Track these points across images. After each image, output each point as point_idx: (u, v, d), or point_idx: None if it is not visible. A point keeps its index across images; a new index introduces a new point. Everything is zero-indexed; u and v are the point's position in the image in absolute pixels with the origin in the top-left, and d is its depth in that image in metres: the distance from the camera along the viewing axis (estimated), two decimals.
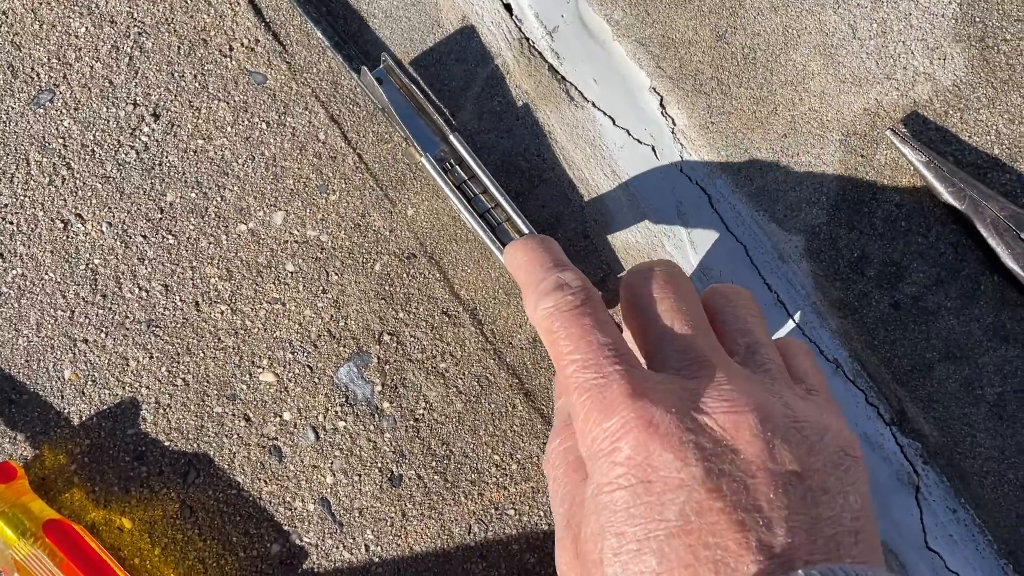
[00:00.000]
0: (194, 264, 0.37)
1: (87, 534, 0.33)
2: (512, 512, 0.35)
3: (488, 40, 0.40)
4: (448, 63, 0.39)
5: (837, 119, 0.38)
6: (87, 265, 0.37)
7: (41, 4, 0.39)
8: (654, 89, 0.39)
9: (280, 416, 0.36)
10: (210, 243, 0.37)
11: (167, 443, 0.35)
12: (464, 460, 0.35)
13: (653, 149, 0.39)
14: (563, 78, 0.39)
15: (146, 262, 0.37)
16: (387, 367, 0.36)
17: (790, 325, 0.37)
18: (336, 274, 0.37)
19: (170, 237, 0.37)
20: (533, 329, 0.37)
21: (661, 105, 0.39)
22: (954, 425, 0.36)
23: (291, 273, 0.37)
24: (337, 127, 0.38)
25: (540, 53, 0.40)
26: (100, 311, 0.36)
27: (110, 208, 0.37)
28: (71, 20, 0.39)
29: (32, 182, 0.37)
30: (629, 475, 0.25)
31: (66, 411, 0.35)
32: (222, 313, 0.37)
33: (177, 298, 0.37)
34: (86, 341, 0.36)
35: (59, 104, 0.38)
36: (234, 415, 0.36)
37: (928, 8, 0.39)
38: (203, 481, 0.35)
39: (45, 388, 0.36)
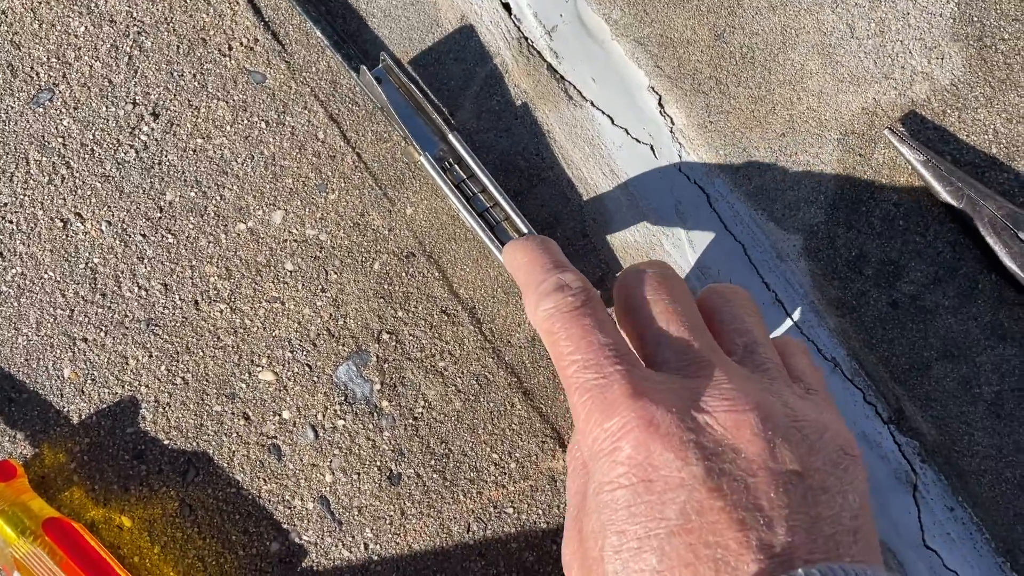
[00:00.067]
0: (193, 263, 0.37)
1: (87, 532, 0.33)
2: (511, 510, 0.35)
3: (487, 39, 0.40)
4: (447, 62, 0.39)
5: (835, 118, 0.38)
6: (86, 264, 0.37)
7: (40, 3, 0.39)
8: (652, 88, 0.39)
9: (279, 415, 0.36)
10: (209, 242, 0.37)
11: (166, 442, 0.35)
12: (463, 458, 0.36)
13: (652, 148, 0.39)
14: (562, 77, 0.39)
15: (145, 261, 0.37)
16: (386, 366, 0.36)
17: (788, 324, 0.37)
18: (335, 273, 0.37)
19: (169, 236, 0.37)
20: (531, 328, 0.37)
21: (660, 104, 0.39)
22: (952, 424, 0.36)
23: (290, 272, 0.37)
24: (336, 126, 0.38)
25: (539, 52, 0.40)
26: (99, 310, 0.37)
27: (109, 207, 0.37)
28: (70, 19, 0.39)
29: (32, 181, 0.38)
30: (630, 474, 0.25)
31: (66, 410, 0.36)
32: (221, 312, 0.37)
33: (176, 297, 0.37)
34: (85, 340, 0.36)
35: (58, 103, 0.38)
36: (233, 414, 0.36)
37: (926, 7, 0.39)
38: (202, 479, 0.35)
39: (45, 387, 0.36)
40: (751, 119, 0.39)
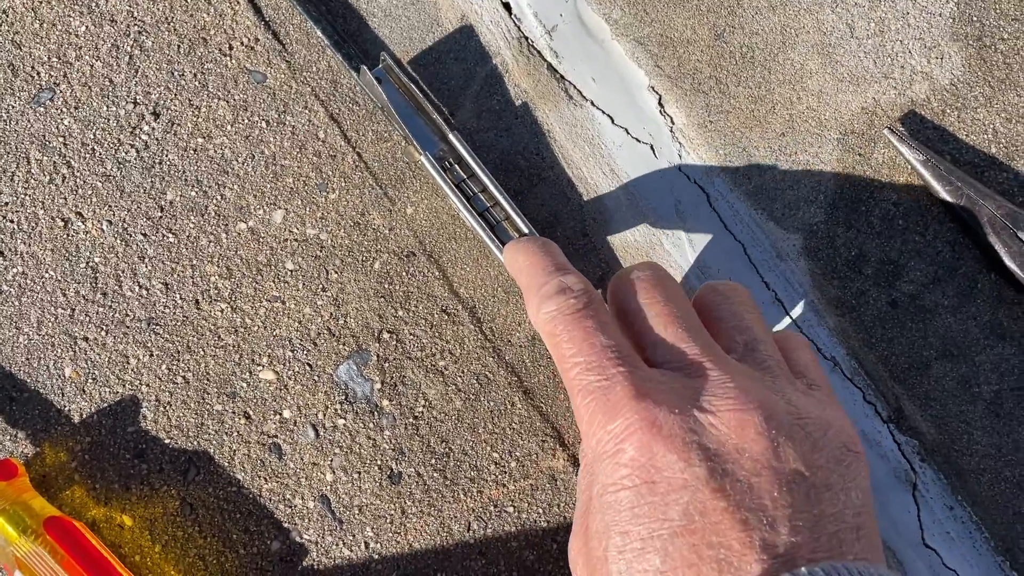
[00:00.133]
0: (194, 262, 0.37)
1: (88, 531, 0.33)
2: (511, 509, 0.35)
3: (487, 39, 0.40)
4: (447, 62, 0.40)
5: (835, 118, 0.38)
6: (87, 263, 0.37)
7: (41, 3, 0.39)
8: (652, 88, 0.39)
9: (280, 414, 0.36)
10: (210, 241, 0.37)
11: (167, 441, 0.35)
12: (463, 457, 0.36)
13: (652, 148, 0.39)
14: (562, 77, 0.39)
15: (146, 260, 0.37)
16: (386, 365, 0.36)
17: (788, 323, 0.37)
18: (336, 272, 0.37)
19: (170, 235, 0.37)
20: (532, 327, 0.37)
21: (660, 104, 0.39)
22: (951, 423, 0.36)
23: (291, 271, 0.37)
24: (336, 126, 0.38)
25: (539, 52, 0.40)
26: (100, 309, 0.37)
27: (110, 206, 0.37)
28: (71, 19, 0.39)
29: (32, 180, 0.38)
30: (633, 476, 0.25)
31: (67, 409, 0.36)
32: (222, 311, 0.37)
33: (177, 296, 0.37)
34: (86, 339, 0.36)
35: (59, 103, 0.38)
36: (234, 413, 0.36)
37: (925, 7, 0.39)
38: (203, 478, 0.35)
39: (46, 386, 0.36)
40: (751, 119, 0.39)
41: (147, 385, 0.36)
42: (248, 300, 0.37)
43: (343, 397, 0.36)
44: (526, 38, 0.40)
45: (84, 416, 0.36)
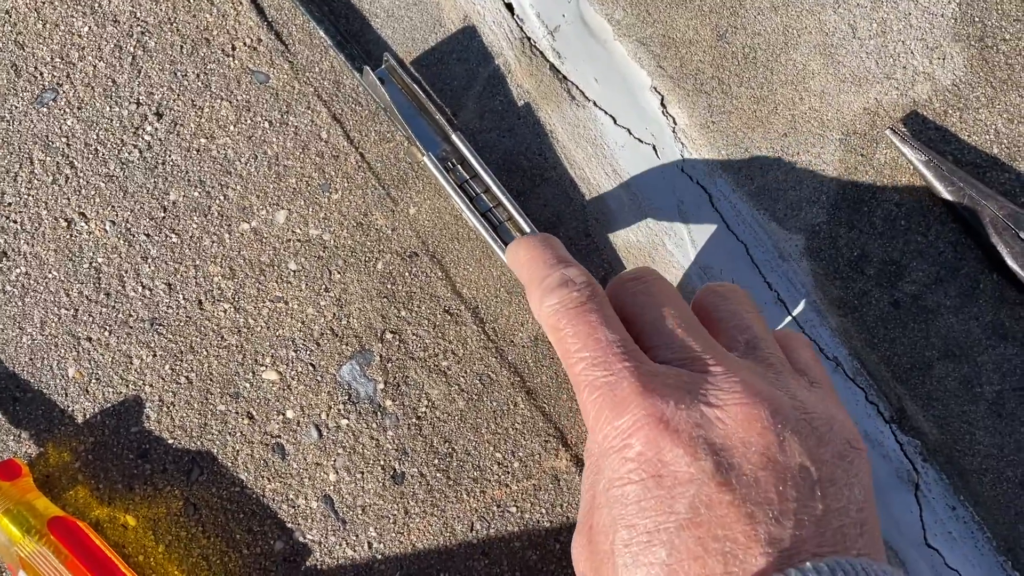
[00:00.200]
0: (197, 263, 0.37)
1: (92, 531, 0.33)
2: (514, 509, 0.35)
3: (490, 39, 0.40)
4: (450, 62, 0.40)
5: (837, 118, 0.38)
6: (91, 264, 0.37)
7: (44, 3, 0.39)
8: (655, 88, 0.39)
9: (283, 414, 0.36)
10: (213, 242, 0.37)
11: (171, 441, 0.35)
12: (466, 458, 0.36)
13: (654, 148, 0.39)
14: (564, 77, 0.39)
15: (149, 261, 0.37)
16: (389, 365, 0.36)
17: (791, 323, 0.37)
18: (338, 272, 0.37)
19: (173, 236, 0.37)
20: (535, 327, 0.37)
21: (662, 104, 0.39)
22: (953, 423, 0.36)
23: (294, 272, 0.37)
24: (339, 126, 0.39)
25: (541, 52, 0.40)
26: (104, 309, 0.37)
27: (113, 207, 0.37)
28: (74, 19, 0.39)
29: (36, 181, 0.38)
30: (640, 470, 0.25)
31: (70, 409, 0.36)
32: (225, 311, 0.37)
33: (180, 296, 0.37)
34: (90, 339, 0.36)
35: (62, 103, 0.38)
36: (237, 413, 0.36)
37: (928, 8, 0.39)
38: (207, 478, 0.35)
39: (49, 386, 0.36)
40: (753, 119, 0.39)
41: (150, 385, 0.36)
42: (251, 300, 0.37)
43: (346, 397, 0.36)
44: (528, 39, 0.40)
45: (88, 416, 0.36)
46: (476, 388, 0.36)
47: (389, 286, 0.37)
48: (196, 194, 0.38)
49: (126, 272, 0.37)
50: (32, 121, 0.38)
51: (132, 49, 0.39)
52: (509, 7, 0.40)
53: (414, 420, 0.36)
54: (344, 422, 0.36)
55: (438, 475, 0.35)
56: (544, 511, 0.35)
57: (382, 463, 0.36)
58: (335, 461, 0.36)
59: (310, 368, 0.36)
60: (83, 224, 0.37)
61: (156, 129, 0.38)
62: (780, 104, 0.39)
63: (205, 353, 0.36)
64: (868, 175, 0.38)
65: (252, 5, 0.39)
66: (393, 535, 0.35)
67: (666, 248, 0.38)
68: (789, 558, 0.23)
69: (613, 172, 0.39)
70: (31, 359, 0.36)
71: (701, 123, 0.39)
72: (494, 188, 0.36)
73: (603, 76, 0.39)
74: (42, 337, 0.36)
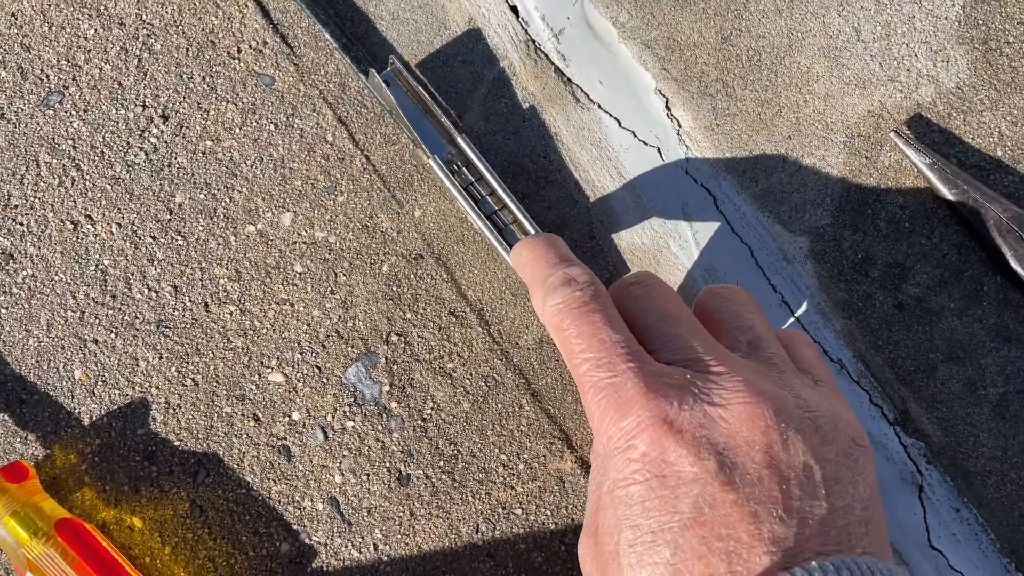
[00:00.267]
0: (203, 265, 0.37)
1: (98, 533, 0.33)
2: (519, 511, 0.35)
3: (495, 42, 0.40)
4: (455, 65, 0.40)
5: (841, 121, 0.39)
6: (97, 266, 0.37)
7: (50, 6, 0.39)
8: (660, 91, 0.39)
9: (289, 416, 0.36)
10: (219, 244, 0.37)
11: (177, 443, 0.36)
12: (471, 460, 0.36)
13: (659, 150, 0.39)
14: (569, 80, 0.40)
15: (155, 263, 0.37)
16: (395, 367, 0.36)
17: (795, 325, 0.37)
18: (344, 275, 0.37)
19: (179, 238, 0.37)
20: (540, 330, 0.37)
21: (667, 107, 0.39)
22: (957, 425, 0.36)
23: (299, 274, 0.37)
24: (345, 129, 0.39)
25: (546, 55, 0.40)
26: (110, 312, 0.37)
27: (120, 209, 0.38)
28: (80, 22, 0.39)
29: (42, 183, 0.38)
30: (644, 470, 0.25)
31: (77, 411, 0.36)
32: (231, 314, 0.37)
33: (186, 299, 0.37)
34: (96, 341, 0.36)
35: (68, 106, 0.38)
36: (243, 415, 0.36)
37: (932, 11, 0.39)
38: (213, 480, 0.35)
39: (56, 388, 0.36)
40: (758, 122, 0.39)
41: (157, 387, 0.36)
42: (257, 303, 0.37)
43: (352, 399, 0.36)
44: (533, 41, 0.40)
45: (94, 418, 0.36)
46: (481, 390, 0.36)
47: (394, 288, 0.37)
48: (202, 196, 0.38)
49: (132, 274, 0.37)
50: (38, 123, 0.38)
51: (138, 52, 0.39)
52: (514, 10, 0.40)
53: (419, 422, 0.36)
54: (350, 424, 0.36)
55: (443, 477, 0.36)
56: (549, 513, 0.35)
57: (388, 465, 0.36)
58: (341, 463, 0.36)
59: (316, 370, 0.36)
60: (89, 226, 0.37)
61: (162, 131, 0.38)
62: (784, 107, 0.39)
63: (211, 355, 0.36)
64: (872, 178, 0.38)
65: (258, 8, 0.39)
66: (399, 537, 0.35)
67: (670, 250, 0.38)
68: (793, 557, 0.24)
69: (618, 174, 0.39)
70: (38, 361, 0.36)
71: (705, 125, 0.39)
72: (499, 190, 0.36)
73: (608, 79, 0.40)
74: (48, 339, 0.36)
